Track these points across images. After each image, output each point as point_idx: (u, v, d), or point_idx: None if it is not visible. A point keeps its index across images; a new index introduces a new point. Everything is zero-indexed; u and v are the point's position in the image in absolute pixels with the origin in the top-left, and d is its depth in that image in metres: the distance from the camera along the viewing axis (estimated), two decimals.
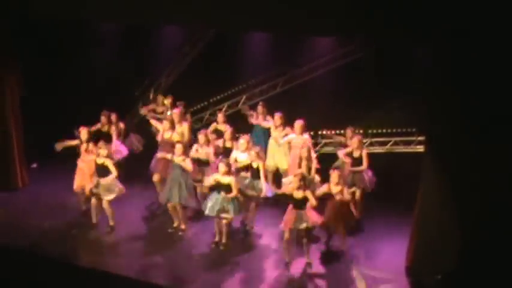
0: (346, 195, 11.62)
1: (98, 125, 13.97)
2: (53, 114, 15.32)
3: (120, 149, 14.09)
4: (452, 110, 10.07)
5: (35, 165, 15.21)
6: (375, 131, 15.12)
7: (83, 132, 12.85)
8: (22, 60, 14.07)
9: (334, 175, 11.65)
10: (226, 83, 17.03)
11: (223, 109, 16.47)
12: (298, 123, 13.52)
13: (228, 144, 13.28)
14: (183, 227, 12.58)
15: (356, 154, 13.02)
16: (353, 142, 13.06)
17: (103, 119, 14.08)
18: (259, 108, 14.64)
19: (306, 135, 13.57)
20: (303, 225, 11.19)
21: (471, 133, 9.95)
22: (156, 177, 13.35)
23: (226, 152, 13.13)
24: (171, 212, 12.56)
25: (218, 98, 17.18)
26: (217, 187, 11.72)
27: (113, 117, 14.33)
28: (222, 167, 11.64)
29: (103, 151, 12.32)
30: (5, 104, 13.89)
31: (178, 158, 12.27)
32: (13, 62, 13.89)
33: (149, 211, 13.54)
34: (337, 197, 11.49)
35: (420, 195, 11.04)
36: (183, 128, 13.67)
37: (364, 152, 13.05)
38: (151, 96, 17.18)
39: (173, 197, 12.29)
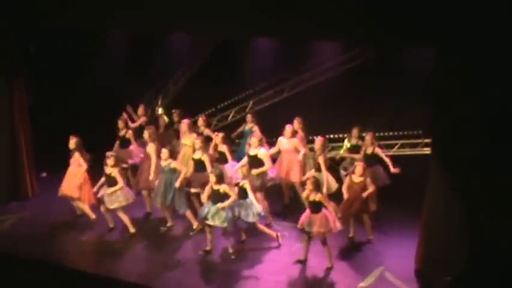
0: (370, 187, 11.88)
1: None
2: (61, 123, 15.36)
3: (137, 153, 14.16)
4: (458, 111, 10.04)
5: (44, 174, 15.26)
6: (381, 134, 15.09)
7: (72, 142, 12.91)
8: (30, 68, 14.12)
9: (358, 167, 11.94)
10: (233, 89, 17.08)
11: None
12: (288, 128, 13.59)
13: (221, 149, 13.34)
14: (169, 223, 12.92)
15: (369, 151, 13.14)
16: (366, 139, 13.21)
17: (120, 123, 14.14)
18: (248, 116, 14.76)
19: (294, 139, 13.58)
20: (314, 229, 11.23)
21: (477, 134, 9.91)
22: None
23: (220, 157, 13.32)
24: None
25: (225, 104, 17.23)
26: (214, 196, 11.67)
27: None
28: (212, 178, 11.62)
29: (110, 161, 12.40)
30: (13, 113, 13.88)
31: (164, 163, 12.52)
32: (21, 71, 13.89)
33: (159, 217, 13.46)
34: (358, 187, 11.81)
35: (428, 197, 11.00)
36: (192, 138, 13.65)
37: (378, 149, 13.20)
38: (159, 103, 17.28)
39: (164, 201, 12.56)
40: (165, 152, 12.57)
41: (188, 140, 13.68)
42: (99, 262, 11.88)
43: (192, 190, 13.00)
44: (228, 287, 11.05)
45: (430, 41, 10.16)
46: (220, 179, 11.63)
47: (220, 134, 13.54)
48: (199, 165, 12.82)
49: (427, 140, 14.48)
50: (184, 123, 13.94)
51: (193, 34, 16.22)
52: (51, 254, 11.96)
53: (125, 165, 13.96)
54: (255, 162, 12.73)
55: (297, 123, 13.87)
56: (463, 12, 9.55)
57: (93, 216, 12.97)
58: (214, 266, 11.67)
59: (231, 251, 11.87)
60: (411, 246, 11.55)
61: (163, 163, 12.60)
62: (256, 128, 14.25)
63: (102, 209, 12.60)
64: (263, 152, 12.79)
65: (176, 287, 11.03)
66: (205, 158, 12.78)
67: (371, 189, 11.90)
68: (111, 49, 16.90)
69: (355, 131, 13.76)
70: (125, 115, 14.52)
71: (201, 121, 14.47)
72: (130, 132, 14.20)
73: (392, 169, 12.91)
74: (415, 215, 11.69)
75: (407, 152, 15.20)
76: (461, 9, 9.55)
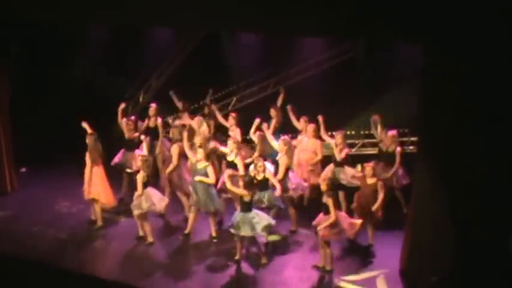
0: (381, 188, 11.70)
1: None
2: (42, 118, 15.17)
3: None
4: (444, 110, 9.94)
5: (24, 170, 15.04)
6: (367, 132, 15.00)
7: (91, 138, 12.40)
8: (10, 62, 13.88)
9: (368, 168, 11.79)
10: (217, 84, 16.91)
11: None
12: (311, 127, 13.30)
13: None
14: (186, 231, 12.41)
15: (391, 149, 12.97)
16: (387, 137, 12.99)
17: (130, 124, 13.62)
18: (273, 111, 14.13)
19: (318, 141, 13.29)
20: (319, 230, 11.02)
21: (464, 133, 9.83)
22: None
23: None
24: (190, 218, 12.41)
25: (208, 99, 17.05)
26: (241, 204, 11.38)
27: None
28: (240, 183, 11.31)
29: (138, 163, 11.92)
30: None
31: (202, 164, 11.99)
32: (0, 65, 13.67)
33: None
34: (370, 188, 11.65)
35: (413, 196, 10.93)
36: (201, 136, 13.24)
37: (398, 150, 12.95)
38: (140, 99, 17.09)
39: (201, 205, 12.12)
40: (200, 151, 11.99)
41: (197, 138, 13.20)
42: (79, 259, 11.68)
43: (224, 196, 12.56)
44: None
45: (418, 37, 10.04)
46: (250, 185, 11.21)
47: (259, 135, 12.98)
48: (232, 168, 12.34)
49: (413, 139, 14.43)
50: (196, 121, 13.49)
51: (176, 28, 16.06)
52: (30, 251, 11.77)
53: (129, 170, 13.33)
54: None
55: (303, 122, 13.58)
56: (452, 7, 9.44)
57: (101, 223, 12.77)
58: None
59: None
60: (396, 246, 11.40)
61: (200, 165, 12.00)
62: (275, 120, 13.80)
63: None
64: (282, 160, 12.34)
65: None
66: (238, 161, 12.33)
67: (381, 195, 11.66)
68: (91, 43, 16.70)
69: (373, 119, 13.43)
70: (133, 117, 13.96)
71: (231, 120, 13.89)
72: (137, 134, 13.62)
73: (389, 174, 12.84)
74: (401, 214, 11.63)
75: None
76: (450, 4, 9.44)
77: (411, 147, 14.56)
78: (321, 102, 15.07)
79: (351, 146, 15.58)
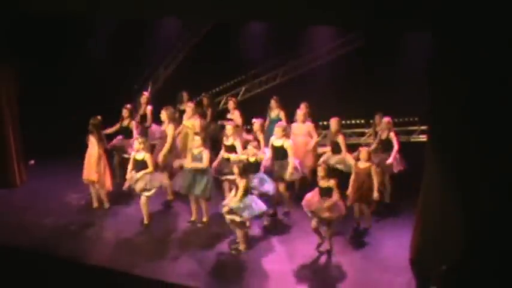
0: (375, 175, 11.68)
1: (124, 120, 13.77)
2: (50, 110, 15.18)
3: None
4: (455, 99, 9.86)
5: (32, 162, 15.05)
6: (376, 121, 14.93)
7: (91, 122, 12.62)
8: (18, 55, 13.87)
9: (363, 152, 11.78)
10: (225, 74, 16.91)
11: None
12: (300, 112, 13.41)
13: (258, 136, 13.00)
14: (204, 219, 12.42)
15: (383, 136, 12.97)
16: (382, 123, 13.01)
17: (125, 112, 13.72)
18: (272, 102, 14.26)
19: (309, 123, 13.45)
20: (325, 215, 11.07)
21: (475, 122, 9.72)
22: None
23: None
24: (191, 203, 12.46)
25: (217, 89, 17.05)
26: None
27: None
28: (235, 169, 11.25)
29: (138, 145, 12.11)
30: (1, 100, 13.68)
31: (196, 150, 12.07)
32: (9, 57, 13.67)
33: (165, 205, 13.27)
34: (364, 172, 11.63)
35: (423, 186, 10.86)
36: (195, 121, 13.51)
37: (392, 134, 12.93)
38: (149, 89, 17.08)
39: (190, 190, 12.14)
40: (197, 139, 12.13)
41: (190, 123, 13.52)
42: (87, 251, 11.67)
43: (222, 178, 12.61)
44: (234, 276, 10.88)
45: (428, 25, 9.97)
46: (244, 172, 11.19)
47: (259, 121, 13.13)
48: (231, 151, 12.43)
49: (423, 127, 14.35)
50: (189, 107, 13.76)
51: (184, 18, 16.01)
52: (39, 242, 11.76)
53: (125, 156, 13.51)
54: (280, 153, 12.43)
55: (304, 108, 13.61)
56: None
57: (107, 205, 12.97)
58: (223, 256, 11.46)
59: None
60: (406, 235, 11.40)
61: (195, 150, 12.12)
62: (282, 114, 13.90)
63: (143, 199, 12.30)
64: (289, 143, 12.40)
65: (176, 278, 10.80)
66: (238, 144, 12.39)
67: (375, 178, 11.67)
68: (99, 33, 16.67)
69: (377, 117, 13.50)
70: (129, 104, 14.00)
71: (231, 104, 14.21)
72: (133, 122, 13.75)
73: (390, 160, 12.75)
74: (411, 203, 11.56)
75: (403, 139, 14.96)
76: None
77: (421, 136, 14.53)
78: (330, 91, 15.06)
79: (361, 135, 15.56)
